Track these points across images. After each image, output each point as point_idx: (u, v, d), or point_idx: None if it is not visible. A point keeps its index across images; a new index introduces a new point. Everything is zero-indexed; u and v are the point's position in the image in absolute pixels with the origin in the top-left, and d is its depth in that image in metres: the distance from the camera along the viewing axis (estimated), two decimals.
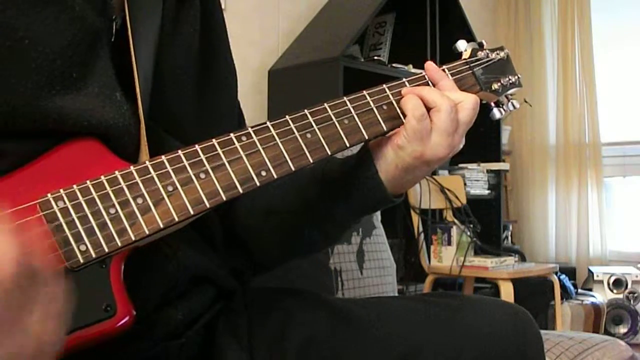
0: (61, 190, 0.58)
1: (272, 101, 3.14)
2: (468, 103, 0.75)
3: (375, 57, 3.30)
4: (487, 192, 3.74)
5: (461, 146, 0.77)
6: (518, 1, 4.42)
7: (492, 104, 0.88)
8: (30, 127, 0.62)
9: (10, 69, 0.61)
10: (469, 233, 2.96)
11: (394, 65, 3.28)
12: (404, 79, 0.78)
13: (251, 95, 3.07)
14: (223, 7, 0.89)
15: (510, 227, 4.22)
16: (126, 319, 0.59)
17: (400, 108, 0.75)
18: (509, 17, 4.46)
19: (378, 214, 1.51)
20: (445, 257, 2.96)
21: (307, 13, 3.40)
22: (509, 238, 4.19)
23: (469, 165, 3.67)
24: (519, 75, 0.88)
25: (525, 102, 4.10)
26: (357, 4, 3.26)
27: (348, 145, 0.71)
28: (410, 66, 3.29)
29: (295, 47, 3.26)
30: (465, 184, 3.43)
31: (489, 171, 3.76)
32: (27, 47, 0.62)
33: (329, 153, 0.70)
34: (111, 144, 0.66)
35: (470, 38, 3.58)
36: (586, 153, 4.10)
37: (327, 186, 0.79)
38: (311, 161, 0.69)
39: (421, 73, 0.81)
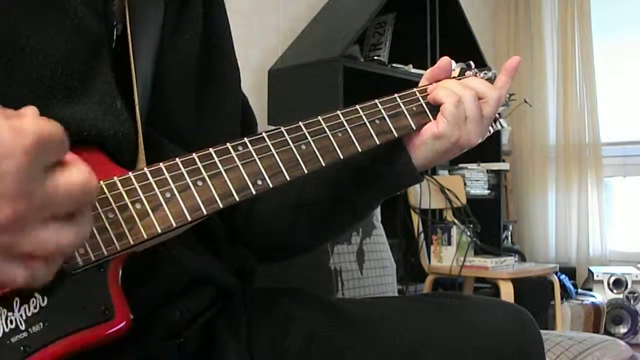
0: None
1: (272, 101, 3.14)
2: (491, 99, 0.82)
3: (375, 57, 3.30)
4: (487, 192, 3.74)
5: (482, 138, 0.83)
6: (518, 1, 4.42)
7: None
8: None
9: (11, 77, 0.61)
10: (469, 233, 2.96)
11: (394, 65, 3.28)
12: (395, 95, 0.80)
13: (251, 95, 3.04)
14: None
15: (510, 227, 4.22)
16: (124, 322, 0.59)
17: (425, 106, 0.81)
18: (509, 17, 4.46)
19: (378, 214, 1.51)
20: (445, 257, 2.96)
21: (307, 13, 3.40)
22: (509, 238, 4.19)
23: (469, 165, 3.67)
24: (507, 95, 0.91)
25: (525, 102, 4.10)
26: (357, 4, 3.26)
27: (341, 157, 0.73)
28: (410, 66, 3.29)
29: (295, 47, 3.26)
30: (465, 184, 3.43)
31: (489, 171, 3.76)
32: (29, 55, 0.62)
33: (323, 164, 0.71)
34: (110, 152, 0.66)
35: (470, 38, 3.59)
36: (586, 153, 4.10)
37: (358, 177, 0.83)
38: (305, 172, 0.70)
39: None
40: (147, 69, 0.72)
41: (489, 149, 3.79)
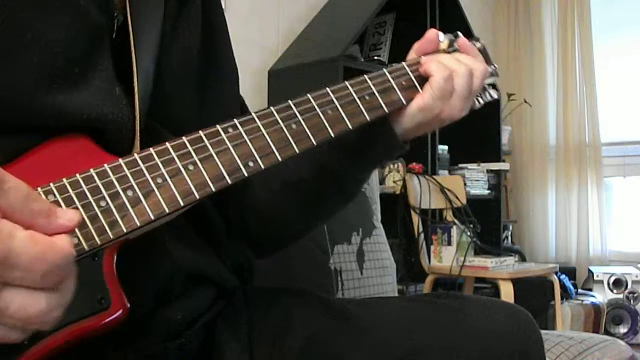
0: (51, 184, 0.58)
1: (272, 101, 3.14)
2: (479, 71, 0.82)
3: (375, 57, 3.30)
4: (487, 192, 3.74)
5: (464, 113, 0.83)
6: (518, 1, 4.42)
7: None
8: (29, 121, 0.62)
9: (12, 62, 0.61)
10: (469, 233, 2.96)
11: (394, 65, 3.27)
12: (384, 69, 0.80)
13: (251, 96, 3.07)
14: (223, 6, 0.89)
15: (510, 227, 4.22)
16: (120, 311, 0.59)
17: (411, 80, 0.81)
18: (509, 17, 4.46)
19: (378, 214, 1.51)
20: (445, 257, 2.96)
21: (307, 13, 3.40)
22: (509, 238, 4.19)
23: (469, 165, 3.67)
24: (495, 65, 0.92)
25: (525, 102, 4.10)
26: (357, 4, 3.26)
27: (332, 135, 0.73)
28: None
29: (295, 47, 3.26)
30: (465, 184, 3.43)
31: (489, 171, 3.76)
32: (30, 40, 0.62)
33: (314, 143, 0.71)
34: (108, 138, 0.66)
35: (469, 38, 3.59)
36: (586, 153, 4.10)
37: (343, 150, 0.82)
38: (297, 151, 0.69)
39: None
40: (148, 62, 0.72)
41: (489, 149, 3.79)
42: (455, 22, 3.56)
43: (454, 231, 2.96)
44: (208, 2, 0.84)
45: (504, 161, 3.93)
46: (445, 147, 3.55)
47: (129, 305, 0.60)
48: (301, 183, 0.85)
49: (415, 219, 2.97)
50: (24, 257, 0.45)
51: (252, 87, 3.08)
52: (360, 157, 0.83)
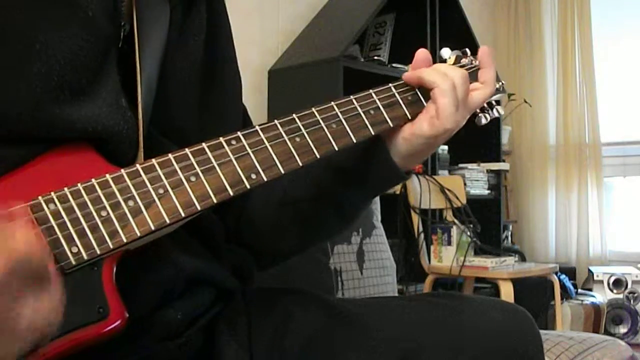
0: (52, 193, 0.58)
1: (272, 101, 3.14)
2: (459, 78, 0.79)
3: (375, 57, 3.30)
4: (487, 192, 3.74)
5: (463, 122, 0.81)
6: (518, 1, 4.42)
7: (478, 110, 0.89)
8: (36, 132, 0.62)
9: (20, 73, 0.61)
10: (469, 233, 2.96)
11: (393, 65, 3.28)
12: (390, 84, 0.80)
13: (251, 95, 3.07)
14: None
15: (510, 227, 4.22)
16: (119, 321, 0.59)
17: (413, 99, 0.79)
18: (509, 17, 4.46)
19: (378, 214, 1.51)
20: (445, 257, 2.96)
21: (307, 13, 3.40)
22: (509, 238, 4.19)
23: (469, 165, 3.66)
24: (503, 82, 0.91)
25: (525, 102, 4.10)
26: (357, 4, 3.26)
27: (336, 149, 0.73)
28: (410, 66, 3.28)
29: (295, 47, 3.26)
30: (465, 184, 3.43)
31: (489, 171, 3.76)
32: (38, 51, 0.62)
33: (318, 156, 0.71)
34: (112, 150, 0.66)
35: (470, 38, 3.59)
36: (586, 153, 4.10)
37: (342, 173, 0.82)
38: (300, 164, 0.69)
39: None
40: (152, 70, 0.72)
41: (489, 149, 3.79)
42: (455, 22, 3.57)
43: (454, 231, 2.96)
44: (213, 10, 0.84)
45: (504, 161, 3.93)
46: (445, 147, 3.55)
47: (127, 315, 0.60)
48: (299, 202, 0.85)
49: (415, 219, 2.97)
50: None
51: (252, 87, 3.07)
52: (360, 186, 0.83)
